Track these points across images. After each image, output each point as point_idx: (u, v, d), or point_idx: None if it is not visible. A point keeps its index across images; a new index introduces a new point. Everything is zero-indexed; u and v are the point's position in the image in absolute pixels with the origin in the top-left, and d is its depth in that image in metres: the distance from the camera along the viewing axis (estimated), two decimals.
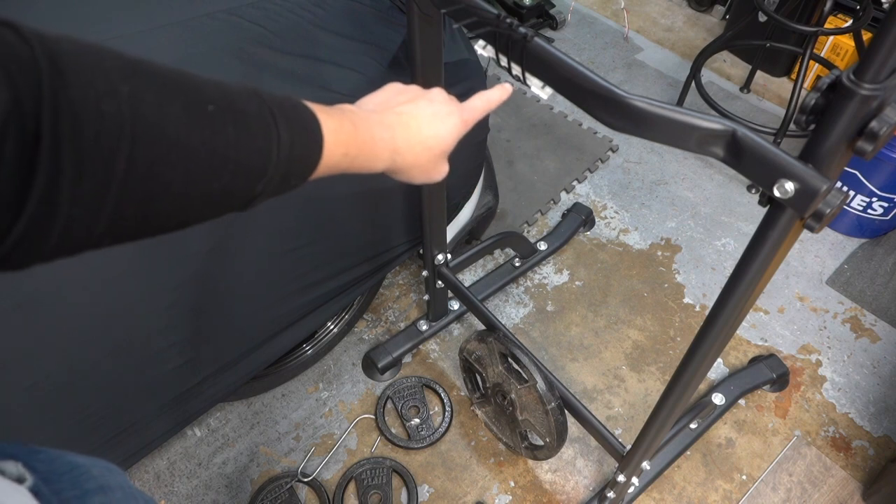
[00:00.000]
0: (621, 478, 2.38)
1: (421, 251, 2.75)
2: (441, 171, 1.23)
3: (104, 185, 0.66)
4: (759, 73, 4.53)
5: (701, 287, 3.47)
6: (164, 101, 0.71)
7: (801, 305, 3.42)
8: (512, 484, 2.81)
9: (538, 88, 4.48)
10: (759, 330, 3.32)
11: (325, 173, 0.97)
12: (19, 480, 0.97)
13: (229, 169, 0.78)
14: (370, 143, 1.05)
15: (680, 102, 4.13)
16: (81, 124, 0.62)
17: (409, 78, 2.01)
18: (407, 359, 3.17)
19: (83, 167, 0.63)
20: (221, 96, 0.79)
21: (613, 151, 4.12)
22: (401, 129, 1.12)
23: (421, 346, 3.21)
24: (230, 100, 0.80)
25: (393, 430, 2.93)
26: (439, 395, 3.04)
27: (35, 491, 0.98)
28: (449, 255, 2.78)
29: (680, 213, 3.80)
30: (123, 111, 0.66)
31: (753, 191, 3.90)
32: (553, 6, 4.98)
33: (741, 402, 3.04)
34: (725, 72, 4.66)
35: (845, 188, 3.50)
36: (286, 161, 0.86)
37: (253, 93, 0.84)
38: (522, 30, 1.46)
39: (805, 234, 3.13)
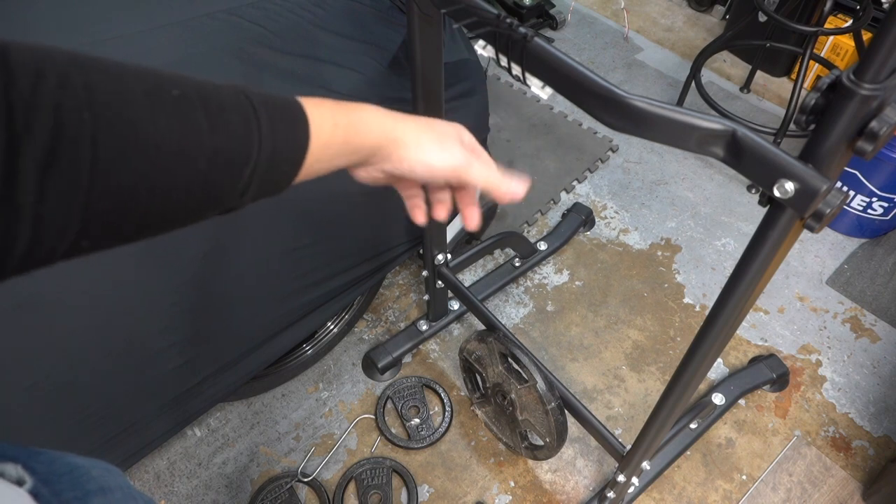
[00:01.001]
0: (621, 478, 2.38)
1: (421, 251, 2.75)
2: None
3: (72, 178, 0.65)
4: (759, 73, 4.53)
5: (701, 287, 3.47)
6: (121, 88, 0.70)
7: (801, 305, 3.42)
8: (512, 484, 2.81)
9: (538, 88, 4.48)
10: (759, 330, 3.32)
11: (321, 155, 0.96)
12: (19, 482, 0.97)
13: (205, 155, 0.77)
14: (361, 119, 1.04)
15: (680, 102, 4.13)
16: (36, 117, 0.62)
17: (408, 77, 2.01)
18: (407, 359, 3.17)
19: (46, 160, 0.63)
20: (185, 82, 0.78)
21: (613, 151, 4.12)
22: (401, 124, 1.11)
23: (421, 346, 3.21)
24: (196, 85, 0.79)
25: (393, 430, 2.93)
26: (439, 395, 3.04)
27: (35, 493, 0.98)
28: (449, 255, 2.78)
29: (680, 213, 3.80)
30: (80, 98, 0.65)
31: (753, 191, 3.90)
32: (553, 6, 4.99)
33: (741, 402, 3.04)
34: (725, 72, 4.66)
35: (845, 188, 3.50)
36: (270, 141, 0.85)
37: (223, 85, 0.83)
38: (522, 30, 1.46)
39: (805, 234, 3.13)
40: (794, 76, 4.43)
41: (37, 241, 0.66)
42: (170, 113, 0.74)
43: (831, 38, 4.17)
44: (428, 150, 1.12)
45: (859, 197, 3.48)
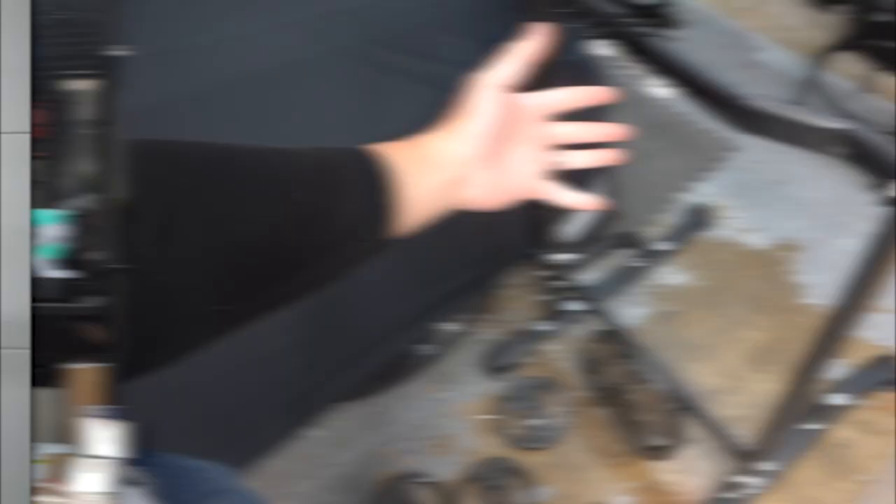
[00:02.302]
0: (741, 479, 2.37)
1: (538, 252, 2.75)
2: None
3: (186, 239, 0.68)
4: (882, 73, 4.47)
5: (821, 287, 3.42)
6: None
7: None
8: (631, 485, 2.81)
9: (657, 88, 4.47)
10: (879, 330, 3.28)
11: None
12: (136, 485, 0.99)
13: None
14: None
15: (800, 102, 4.09)
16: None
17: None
18: (526, 359, 3.18)
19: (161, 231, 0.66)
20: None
21: (733, 151, 4.09)
22: None
23: (539, 347, 3.22)
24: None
25: (512, 431, 2.94)
26: (558, 396, 3.03)
27: (151, 494, 1.00)
28: (567, 255, 2.78)
29: (801, 213, 3.75)
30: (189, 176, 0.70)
31: (875, 190, 3.85)
32: (672, 6, 4.96)
33: (862, 402, 3.01)
34: (847, 71, 4.61)
35: None
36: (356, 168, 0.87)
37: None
38: (642, 29, 1.47)
39: None
40: None
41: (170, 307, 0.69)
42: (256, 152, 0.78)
43: None
44: None
45: None
